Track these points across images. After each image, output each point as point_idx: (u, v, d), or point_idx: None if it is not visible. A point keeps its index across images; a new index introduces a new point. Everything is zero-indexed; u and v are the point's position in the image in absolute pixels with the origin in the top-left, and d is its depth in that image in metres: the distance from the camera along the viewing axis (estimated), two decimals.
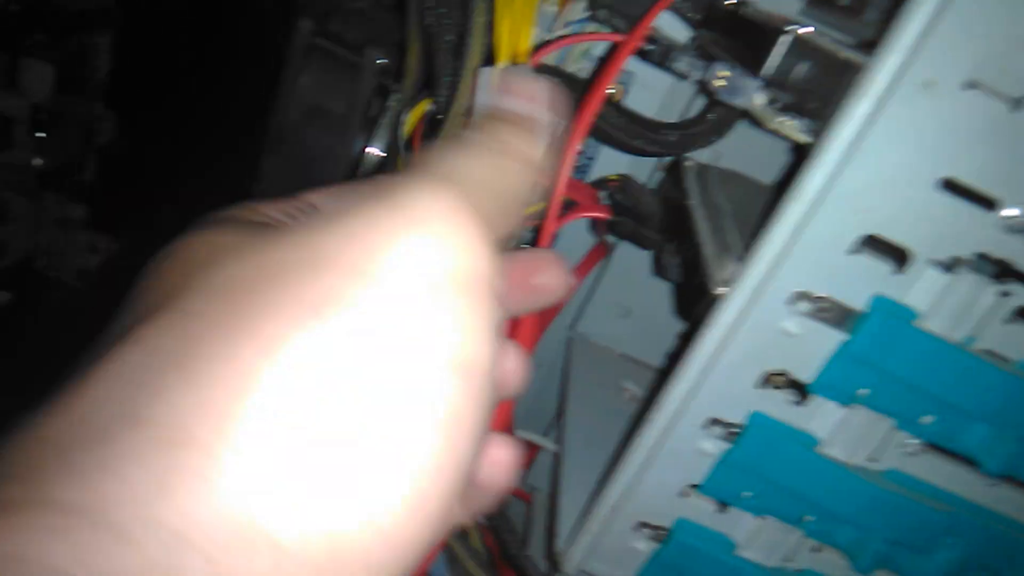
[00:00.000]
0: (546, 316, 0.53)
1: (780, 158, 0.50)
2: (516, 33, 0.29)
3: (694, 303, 0.34)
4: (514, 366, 0.23)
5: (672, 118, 0.50)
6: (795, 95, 0.29)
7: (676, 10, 0.41)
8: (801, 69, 0.29)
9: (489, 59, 0.38)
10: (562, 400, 0.56)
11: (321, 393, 0.15)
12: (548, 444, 0.57)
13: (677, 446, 0.35)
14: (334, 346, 0.15)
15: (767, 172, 0.48)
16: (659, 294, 0.57)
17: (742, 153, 0.49)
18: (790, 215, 0.30)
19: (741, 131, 0.44)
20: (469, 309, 0.16)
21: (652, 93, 0.49)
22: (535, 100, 0.22)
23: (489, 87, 0.28)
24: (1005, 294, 0.31)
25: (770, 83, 0.29)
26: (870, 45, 0.38)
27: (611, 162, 0.52)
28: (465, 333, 0.16)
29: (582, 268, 0.54)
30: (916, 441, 0.34)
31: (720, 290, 0.33)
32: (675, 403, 0.34)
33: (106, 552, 0.13)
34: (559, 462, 0.51)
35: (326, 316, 0.15)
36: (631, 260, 0.56)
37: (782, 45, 0.28)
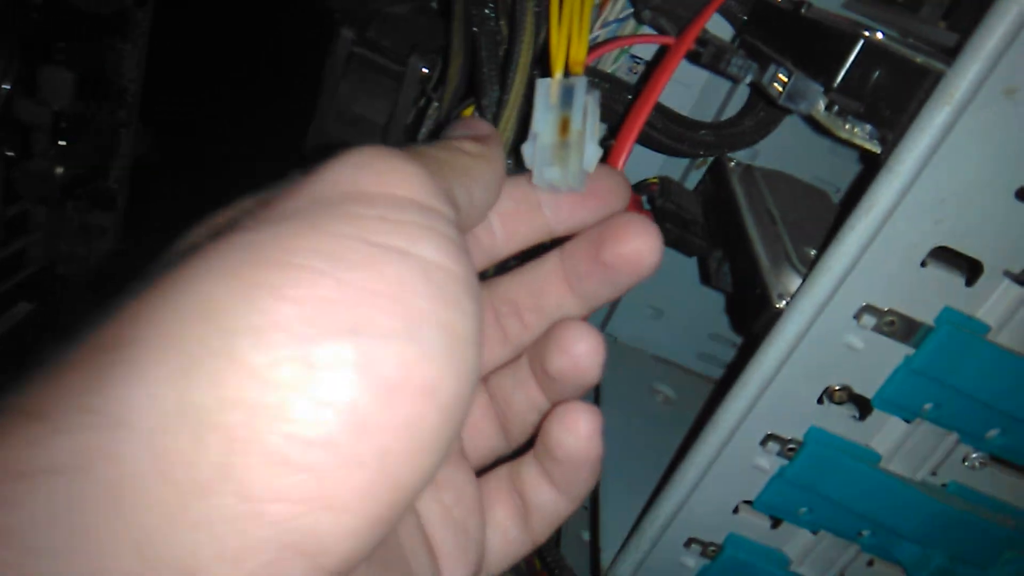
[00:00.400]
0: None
1: (820, 153, 0.48)
2: (572, 41, 0.28)
3: (753, 316, 0.33)
4: None
5: (708, 115, 0.49)
6: (866, 102, 0.28)
7: (722, 10, 0.40)
8: (873, 75, 0.27)
9: (539, 66, 0.37)
10: (595, 403, 0.55)
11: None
12: None
13: (732, 462, 0.34)
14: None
15: (806, 167, 0.46)
16: (690, 295, 0.56)
17: (780, 148, 0.48)
18: (860, 228, 0.29)
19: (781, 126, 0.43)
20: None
21: (687, 89, 0.48)
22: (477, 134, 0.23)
23: (547, 99, 0.27)
24: None
25: (840, 90, 0.28)
26: (929, 44, 0.37)
27: (642, 160, 0.51)
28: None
29: None
30: (980, 454, 0.33)
31: (781, 304, 0.32)
32: (732, 420, 0.33)
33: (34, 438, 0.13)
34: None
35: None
36: (662, 260, 0.54)
37: (854, 51, 0.27)
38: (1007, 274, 0.30)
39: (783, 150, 0.49)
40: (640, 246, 0.26)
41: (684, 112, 0.47)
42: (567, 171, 0.26)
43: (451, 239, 0.17)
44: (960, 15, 0.34)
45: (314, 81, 0.34)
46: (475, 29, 0.32)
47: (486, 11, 0.33)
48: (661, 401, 0.55)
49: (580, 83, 0.27)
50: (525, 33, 0.32)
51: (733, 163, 0.43)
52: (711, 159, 0.47)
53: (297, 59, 0.33)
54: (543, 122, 0.27)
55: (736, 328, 0.56)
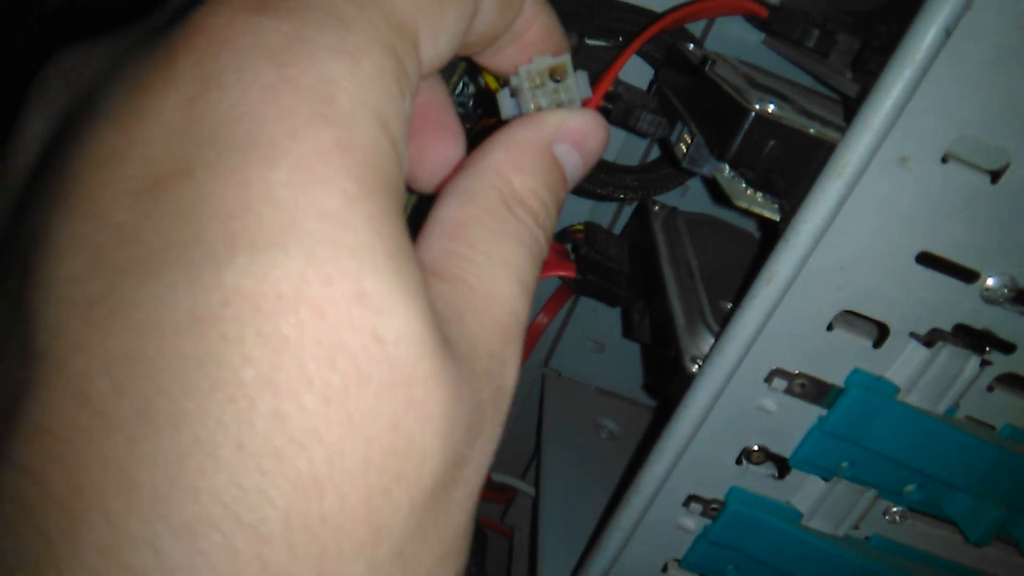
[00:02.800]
0: (523, 351, 0.51)
1: None
2: None
3: (667, 378, 0.32)
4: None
5: (634, 159, 0.48)
6: (760, 173, 0.27)
7: (641, 52, 0.40)
8: (766, 147, 0.27)
9: None
10: (538, 438, 0.55)
11: None
12: (525, 488, 0.56)
13: (656, 524, 0.34)
14: None
15: None
16: None
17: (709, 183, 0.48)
18: (762, 297, 0.28)
19: None
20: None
21: (613, 133, 0.47)
22: (585, 160, 0.20)
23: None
24: (986, 363, 0.30)
25: (734, 162, 0.27)
26: (836, 93, 0.36)
27: (570, 205, 0.50)
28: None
29: (550, 306, 0.52)
30: (899, 508, 0.33)
31: (694, 368, 0.31)
32: (653, 483, 0.33)
33: None
34: (537, 506, 0.50)
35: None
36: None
37: (745, 125, 0.26)
38: (913, 335, 0.29)
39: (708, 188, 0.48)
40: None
41: (610, 155, 0.47)
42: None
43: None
44: (864, 64, 0.34)
45: None
46: None
47: None
48: (605, 437, 0.54)
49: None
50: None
51: (657, 207, 0.43)
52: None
53: None
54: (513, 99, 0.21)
55: (650, 390, 0.56)
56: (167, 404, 0.11)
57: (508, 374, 0.16)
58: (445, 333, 0.14)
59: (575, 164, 0.19)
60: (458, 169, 0.18)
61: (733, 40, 0.45)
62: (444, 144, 0.20)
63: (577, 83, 0.20)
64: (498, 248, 0.16)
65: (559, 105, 0.20)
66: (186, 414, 0.11)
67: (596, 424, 0.55)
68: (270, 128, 0.12)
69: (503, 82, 0.21)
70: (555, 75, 0.20)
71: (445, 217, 0.16)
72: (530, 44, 0.19)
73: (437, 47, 0.15)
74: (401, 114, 0.14)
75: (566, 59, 0.20)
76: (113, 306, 0.11)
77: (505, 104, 0.20)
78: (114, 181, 0.12)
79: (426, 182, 0.20)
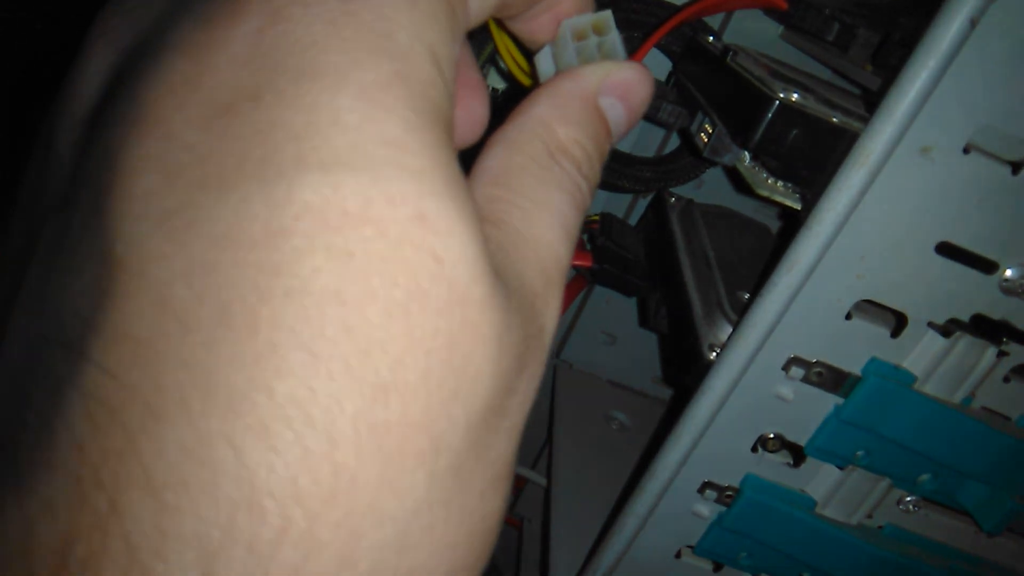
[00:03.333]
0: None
1: None
2: None
3: (684, 366, 0.33)
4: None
5: (650, 151, 0.48)
6: (783, 162, 0.28)
7: (660, 45, 0.40)
8: (789, 136, 0.27)
9: None
10: (549, 429, 0.55)
11: None
12: (537, 478, 0.56)
13: (671, 510, 0.34)
14: None
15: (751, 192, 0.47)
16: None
17: (725, 176, 0.48)
18: (782, 285, 0.29)
19: None
20: None
21: None
22: (630, 114, 0.20)
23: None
24: (1003, 354, 0.30)
25: (757, 151, 0.28)
26: (856, 87, 0.37)
27: None
28: None
29: (564, 297, 0.53)
30: (913, 498, 0.33)
31: (711, 356, 0.32)
32: (669, 469, 0.33)
33: None
34: (548, 497, 0.50)
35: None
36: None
37: (769, 114, 0.27)
38: (931, 325, 0.30)
39: (729, 176, 0.49)
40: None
41: (626, 146, 0.47)
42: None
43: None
44: (885, 57, 0.34)
45: None
46: None
47: None
48: (616, 429, 0.55)
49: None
50: None
51: (673, 199, 0.43)
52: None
53: None
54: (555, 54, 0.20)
55: (666, 380, 0.56)
56: (244, 310, 0.11)
57: (550, 315, 0.16)
58: (495, 265, 0.14)
59: (620, 117, 0.19)
60: (506, 121, 0.18)
61: (751, 34, 0.46)
62: (472, 100, 0.20)
63: (619, 39, 0.20)
64: (543, 195, 0.17)
65: (604, 59, 0.20)
66: (261, 320, 0.11)
67: (607, 416, 0.56)
68: (335, 58, 0.12)
69: (535, 49, 0.21)
70: (598, 30, 0.20)
71: (491, 166, 0.17)
72: (563, 13, 0.20)
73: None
74: (451, 55, 0.14)
75: (608, 14, 0.20)
76: (190, 219, 0.11)
77: (544, 63, 0.20)
78: (187, 106, 0.12)
79: (455, 137, 0.21)
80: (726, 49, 0.33)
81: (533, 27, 0.20)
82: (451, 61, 0.14)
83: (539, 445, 0.59)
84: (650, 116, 0.35)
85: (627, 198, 0.50)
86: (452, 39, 0.14)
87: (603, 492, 0.49)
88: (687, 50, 0.40)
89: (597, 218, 0.43)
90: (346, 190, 0.12)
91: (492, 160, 0.17)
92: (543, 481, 0.54)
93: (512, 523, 0.62)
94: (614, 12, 0.40)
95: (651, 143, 0.48)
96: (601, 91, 0.19)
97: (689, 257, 0.38)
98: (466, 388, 0.13)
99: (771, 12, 0.40)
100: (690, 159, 0.42)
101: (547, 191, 0.17)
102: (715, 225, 0.40)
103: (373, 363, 0.12)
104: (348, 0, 0.13)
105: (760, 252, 0.40)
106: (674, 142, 0.47)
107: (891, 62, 0.33)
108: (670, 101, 0.35)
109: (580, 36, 0.20)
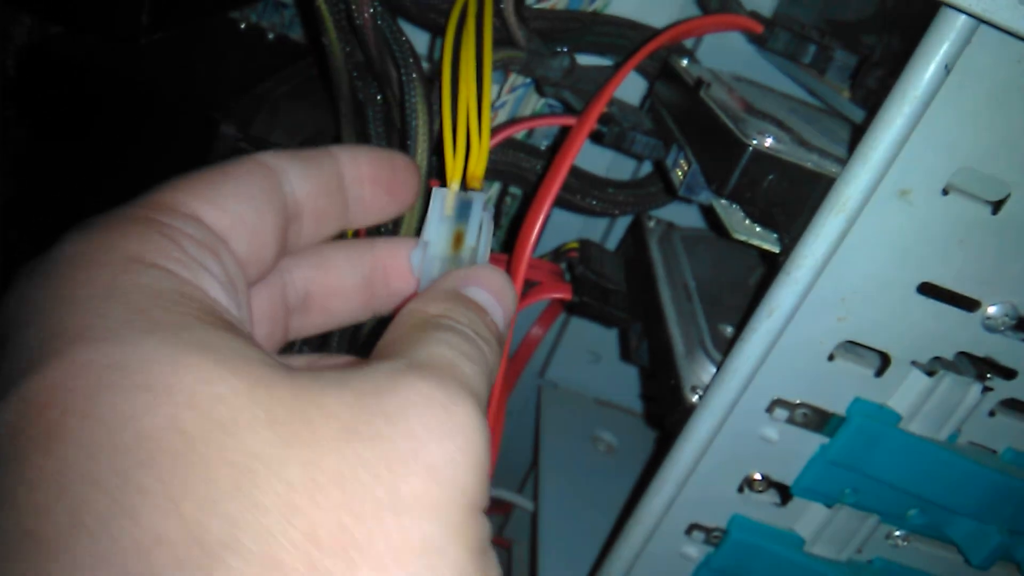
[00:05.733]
0: (517, 365, 0.51)
1: None
2: (472, 152, 0.27)
3: (667, 406, 0.32)
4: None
5: (626, 173, 0.48)
6: (759, 207, 0.27)
7: (638, 67, 0.39)
8: (764, 182, 0.26)
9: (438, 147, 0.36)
10: (535, 451, 0.55)
11: None
12: (523, 503, 0.56)
13: (658, 552, 0.34)
14: None
15: None
16: None
17: None
18: (762, 330, 0.28)
19: None
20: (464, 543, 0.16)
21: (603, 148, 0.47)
22: (498, 297, 0.22)
23: (442, 212, 0.26)
24: (987, 389, 0.30)
25: (732, 197, 0.27)
26: (833, 112, 0.36)
27: (564, 220, 0.50)
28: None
29: (545, 318, 0.52)
30: (902, 532, 0.33)
31: (694, 399, 0.31)
32: (653, 515, 0.32)
33: None
34: (535, 522, 0.49)
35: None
36: None
37: (743, 160, 0.26)
38: (915, 364, 0.29)
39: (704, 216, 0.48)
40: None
41: (602, 169, 0.47)
42: None
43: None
44: (863, 79, 0.34)
45: None
46: (366, 113, 0.31)
47: (372, 92, 0.31)
48: (603, 450, 0.54)
49: (478, 199, 0.26)
50: (419, 122, 0.30)
51: (652, 222, 0.43)
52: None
53: (175, 155, 0.31)
54: (436, 232, 0.26)
55: (650, 420, 0.55)
56: None
57: None
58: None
59: (488, 300, 0.22)
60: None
61: (727, 50, 0.45)
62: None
63: (481, 241, 0.25)
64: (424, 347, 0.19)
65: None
66: None
67: (594, 437, 0.55)
68: None
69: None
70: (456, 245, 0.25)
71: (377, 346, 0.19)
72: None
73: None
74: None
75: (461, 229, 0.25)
76: None
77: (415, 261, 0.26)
78: None
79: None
80: (699, 81, 0.32)
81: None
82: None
83: (525, 469, 0.59)
84: (624, 149, 0.34)
85: (604, 221, 0.49)
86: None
87: (591, 516, 0.48)
88: (661, 74, 0.39)
89: (576, 245, 0.42)
90: None
91: (379, 344, 0.19)
92: (530, 506, 0.53)
93: (501, 543, 0.62)
94: (588, 35, 0.39)
95: (627, 164, 0.47)
96: (463, 286, 0.22)
97: (669, 288, 0.37)
98: None
99: (747, 34, 0.39)
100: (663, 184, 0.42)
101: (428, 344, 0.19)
102: (695, 251, 0.40)
103: None
104: None
105: (743, 278, 0.39)
106: (650, 163, 0.46)
107: (868, 84, 0.33)
108: (643, 132, 0.34)
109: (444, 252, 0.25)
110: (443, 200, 0.26)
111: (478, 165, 0.27)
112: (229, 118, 0.32)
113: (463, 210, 0.26)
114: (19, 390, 0.14)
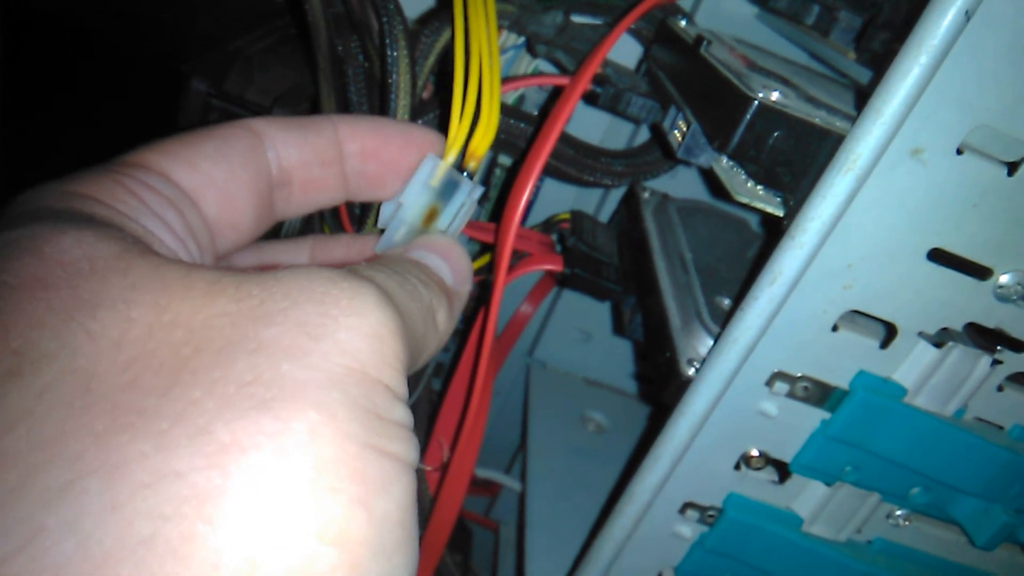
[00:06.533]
0: (505, 343, 0.50)
1: None
2: (479, 125, 0.25)
3: (662, 381, 0.31)
4: None
5: (621, 139, 0.46)
6: (764, 166, 0.25)
7: (632, 30, 0.37)
8: (770, 139, 0.25)
9: (422, 109, 0.34)
10: (524, 431, 0.53)
11: None
12: (511, 483, 0.54)
13: (651, 532, 0.32)
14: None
15: None
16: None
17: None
18: (765, 297, 0.27)
19: None
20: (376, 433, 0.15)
21: (598, 115, 0.45)
22: (447, 259, 0.22)
23: (427, 181, 0.24)
24: (997, 363, 0.28)
25: (735, 155, 0.25)
26: (838, 74, 0.34)
27: (556, 192, 0.48)
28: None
29: (534, 295, 0.50)
30: (903, 512, 0.32)
31: (690, 372, 0.30)
32: (646, 493, 0.31)
33: None
34: (523, 503, 0.48)
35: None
36: None
37: (747, 115, 0.24)
38: (922, 335, 0.28)
39: (704, 179, 0.46)
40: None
41: (596, 138, 0.45)
42: None
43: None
44: (868, 42, 0.32)
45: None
46: (345, 69, 0.29)
47: (353, 47, 0.29)
48: (592, 430, 0.53)
49: (465, 185, 0.25)
50: (400, 77, 0.28)
51: (647, 193, 0.41)
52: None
53: (144, 122, 0.29)
54: (414, 198, 0.24)
55: (644, 395, 0.54)
56: None
57: None
58: None
59: (436, 262, 0.22)
60: None
61: (725, 14, 0.43)
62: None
63: (451, 228, 0.25)
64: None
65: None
66: None
67: (583, 417, 0.54)
68: None
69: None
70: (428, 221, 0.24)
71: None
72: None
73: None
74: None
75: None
76: None
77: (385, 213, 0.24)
78: None
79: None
80: (699, 38, 0.31)
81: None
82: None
83: (513, 449, 0.58)
84: (619, 111, 0.32)
85: (598, 192, 0.47)
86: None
87: (580, 497, 0.47)
88: (658, 36, 0.37)
89: (567, 216, 0.41)
90: None
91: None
92: (518, 486, 0.52)
93: (488, 525, 0.60)
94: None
95: (622, 133, 0.45)
96: (409, 249, 0.22)
97: (664, 260, 0.35)
98: None
99: None
100: (661, 151, 0.40)
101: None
102: (691, 223, 0.38)
103: None
104: None
105: (740, 250, 0.38)
106: (645, 132, 0.45)
107: (874, 47, 0.31)
108: (639, 93, 0.33)
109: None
110: (432, 170, 0.24)
111: (483, 140, 0.25)
112: (199, 73, 0.30)
113: (448, 189, 0.25)
114: None
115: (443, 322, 0.21)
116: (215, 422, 0.13)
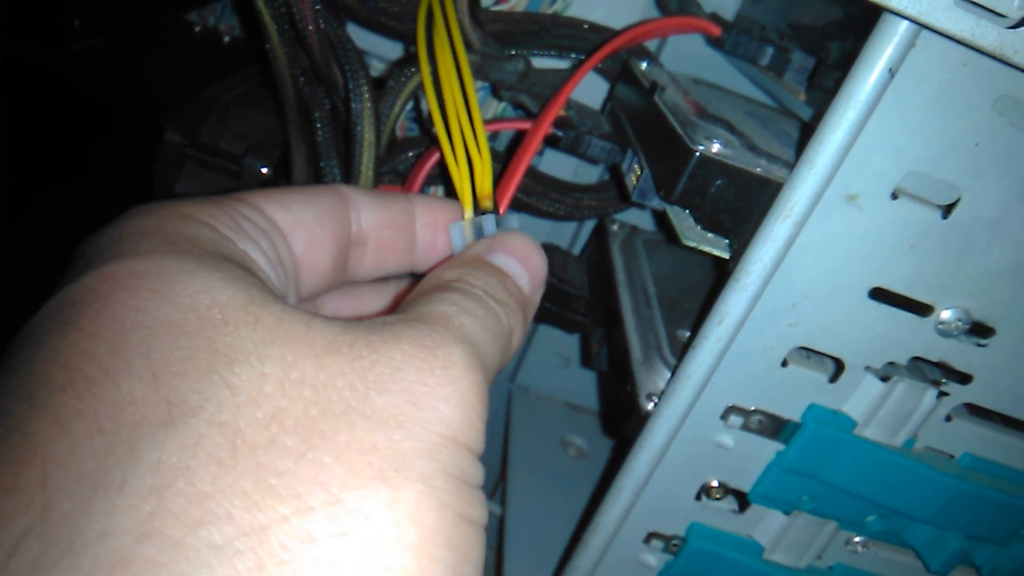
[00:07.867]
0: None
1: None
2: (475, 173, 0.26)
3: (622, 413, 0.32)
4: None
5: (593, 177, 0.47)
6: (707, 213, 0.27)
7: (599, 69, 0.38)
8: (711, 188, 0.26)
9: (388, 154, 0.35)
10: (504, 457, 0.54)
11: None
12: (492, 507, 0.55)
13: (617, 561, 0.33)
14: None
15: None
16: None
17: None
18: (714, 336, 0.28)
19: None
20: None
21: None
22: (522, 261, 0.23)
23: (464, 244, 0.25)
24: (943, 394, 0.29)
25: (680, 202, 0.26)
26: (791, 115, 0.36)
27: (531, 225, 0.49)
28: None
29: None
30: (861, 538, 0.33)
31: (649, 407, 0.31)
32: (611, 523, 0.32)
33: None
34: (502, 528, 0.49)
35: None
36: None
37: (689, 166, 0.25)
38: (869, 369, 0.29)
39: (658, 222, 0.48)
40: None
41: (568, 173, 0.46)
42: None
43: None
44: (820, 80, 0.33)
45: (146, 191, 0.32)
46: (312, 116, 0.30)
47: (320, 95, 0.31)
48: (573, 454, 0.54)
49: (489, 221, 0.25)
50: (364, 128, 0.30)
51: (615, 226, 0.42)
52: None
53: (122, 173, 0.30)
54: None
55: (606, 429, 0.55)
56: None
57: None
58: None
59: (515, 266, 0.23)
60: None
61: (692, 52, 0.44)
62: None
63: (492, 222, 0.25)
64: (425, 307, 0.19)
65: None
66: None
67: (564, 441, 0.55)
68: None
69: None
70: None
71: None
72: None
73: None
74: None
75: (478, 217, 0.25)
76: None
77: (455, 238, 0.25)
78: None
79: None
80: (653, 85, 0.32)
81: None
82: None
83: (494, 474, 0.58)
84: (579, 153, 0.33)
85: (572, 225, 0.49)
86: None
87: (559, 521, 0.48)
88: (620, 76, 0.39)
89: None
90: None
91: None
92: (498, 510, 0.53)
93: None
94: (545, 38, 0.39)
95: (593, 169, 0.46)
96: (487, 253, 0.23)
97: (629, 293, 0.37)
98: None
99: (707, 36, 0.38)
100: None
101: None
102: (657, 255, 0.39)
103: None
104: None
105: (704, 283, 0.39)
106: None
107: (825, 85, 0.32)
108: (600, 135, 0.34)
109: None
110: (461, 234, 0.25)
111: (484, 178, 0.26)
112: (175, 124, 0.31)
113: (480, 235, 0.25)
114: (58, 293, 0.17)
115: (517, 341, 0.22)
116: (344, 490, 0.15)
